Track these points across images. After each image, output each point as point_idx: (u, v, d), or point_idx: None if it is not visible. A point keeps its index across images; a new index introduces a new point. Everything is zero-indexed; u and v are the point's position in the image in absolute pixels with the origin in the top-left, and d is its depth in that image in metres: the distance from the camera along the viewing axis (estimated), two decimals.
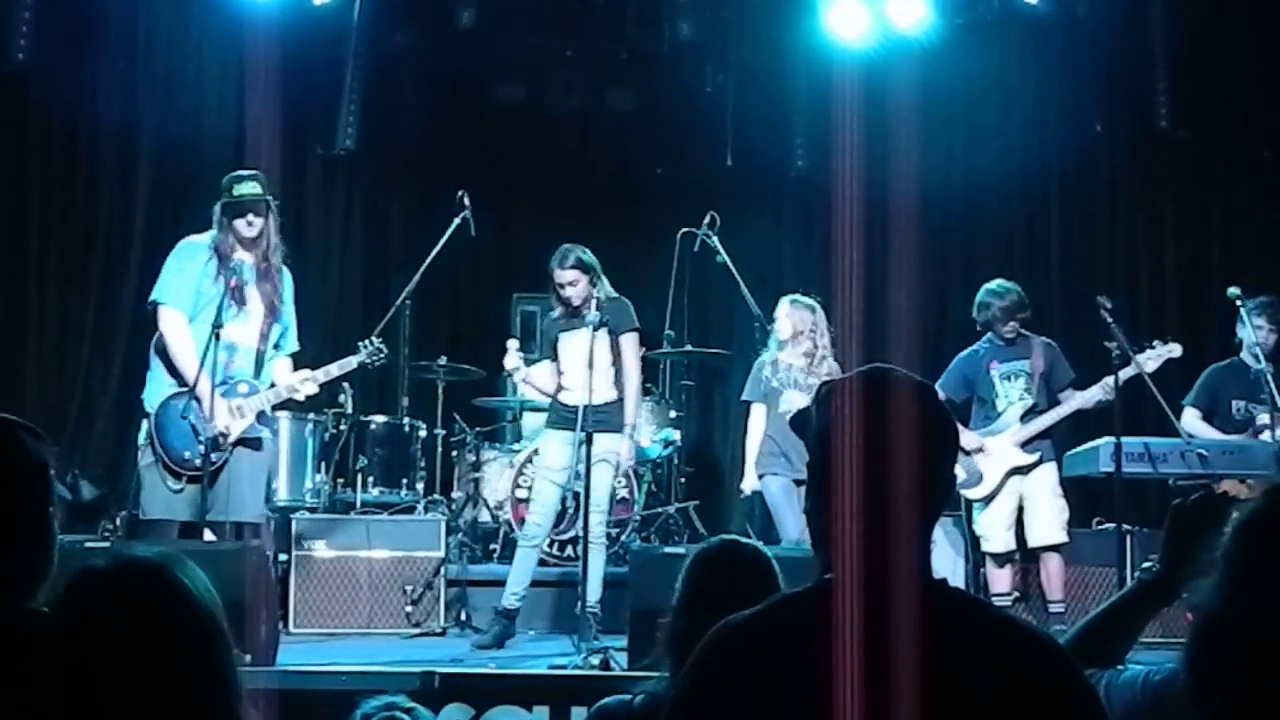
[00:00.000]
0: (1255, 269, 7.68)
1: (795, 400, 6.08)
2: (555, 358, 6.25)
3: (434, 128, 9.06)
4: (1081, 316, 7.02)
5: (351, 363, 5.71)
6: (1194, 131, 8.56)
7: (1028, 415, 6.20)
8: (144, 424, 5.38)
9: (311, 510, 6.82)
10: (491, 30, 8.59)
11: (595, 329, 5.87)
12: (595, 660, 5.15)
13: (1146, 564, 2.18)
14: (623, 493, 7.36)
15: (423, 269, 6.94)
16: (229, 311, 5.26)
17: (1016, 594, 6.37)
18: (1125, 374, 5.93)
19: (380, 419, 7.41)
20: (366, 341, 5.78)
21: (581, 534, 5.86)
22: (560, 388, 6.20)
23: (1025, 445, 6.16)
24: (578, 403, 5.84)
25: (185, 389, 5.22)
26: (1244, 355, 6.41)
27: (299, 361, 5.70)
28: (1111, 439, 5.85)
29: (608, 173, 9.38)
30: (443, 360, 7.62)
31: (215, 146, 7.98)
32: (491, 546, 7.42)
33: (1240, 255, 8.48)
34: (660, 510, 7.63)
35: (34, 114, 8.06)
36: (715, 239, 7.26)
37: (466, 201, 6.83)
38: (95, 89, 8.20)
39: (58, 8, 7.86)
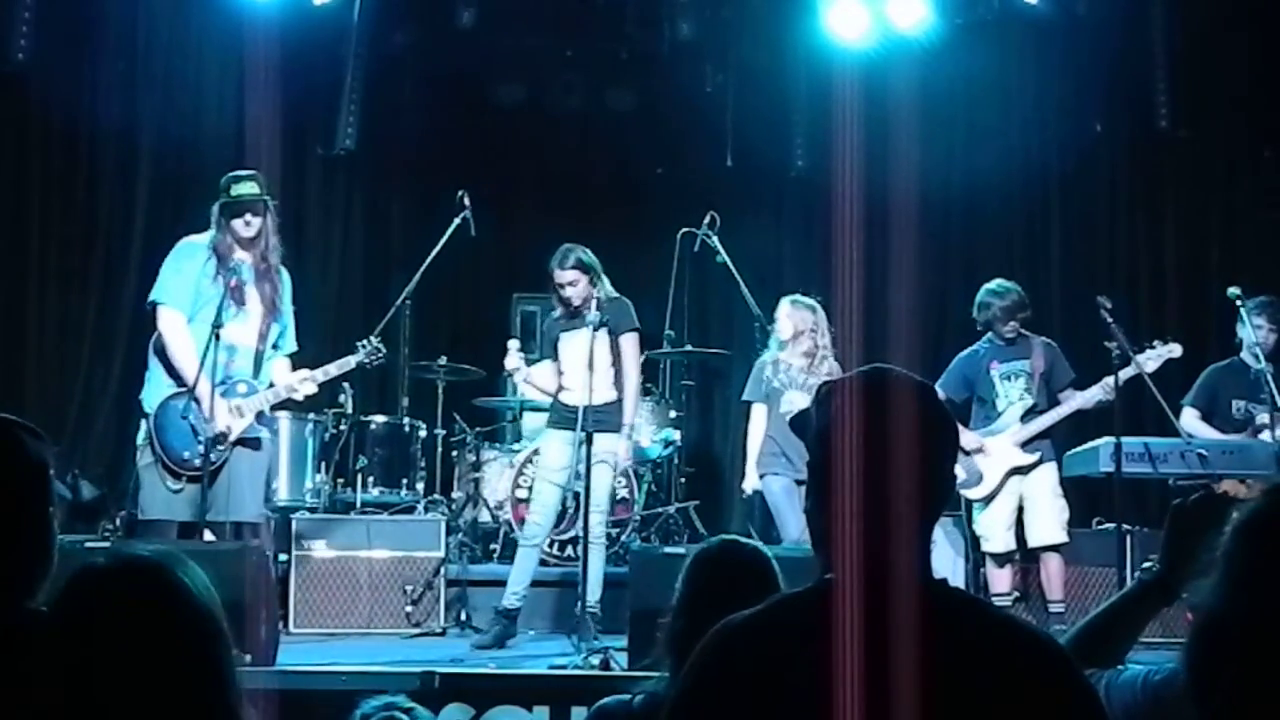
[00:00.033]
0: (1255, 269, 7.68)
1: (796, 400, 6.09)
2: (556, 357, 6.25)
3: (434, 128, 9.06)
4: (1081, 316, 7.02)
5: (350, 362, 5.71)
6: (1194, 131, 8.55)
7: (1028, 415, 6.20)
8: (143, 424, 5.39)
9: (312, 510, 6.82)
10: (491, 30, 8.59)
11: (595, 329, 5.87)
12: (595, 660, 5.14)
13: (1146, 564, 2.18)
14: (623, 493, 7.36)
15: (423, 269, 6.95)
16: (228, 311, 5.26)
17: (1016, 594, 6.37)
18: (1125, 374, 5.93)
19: (380, 419, 7.41)
20: (365, 341, 5.78)
21: (581, 534, 5.86)
22: (561, 388, 6.20)
23: (1025, 445, 6.16)
24: (578, 403, 5.84)
25: (184, 389, 5.23)
26: (1244, 355, 6.41)
27: (299, 361, 5.70)
28: (1111, 439, 5.85)
29: (608, 173, 9.38)
30: (443, 360, 7.62)
31: (215, 146, 7.97)
32: (491, 546, 7.42)
33: (1240, 255, 8.48)
34: (660, 510, 7.63)
35: (34, 114, 8.05)
36: (715, 239, 7.26)
37: (466, 201, 6.83)
38: (95, 89, 8.20)
39: (58, 8, 7.86)
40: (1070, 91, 8.91)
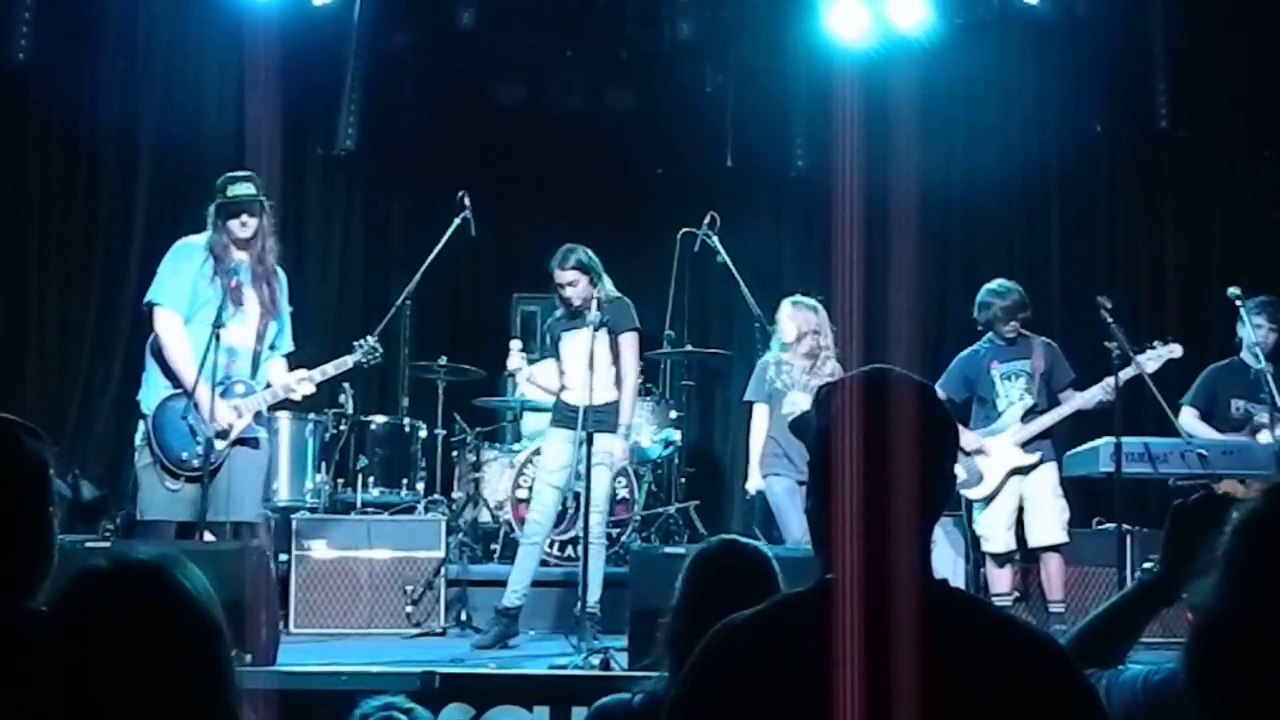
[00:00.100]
0: (1255, 269, 7.68)
1: (799, 401, 6.08)
2: (558, 357, 6.26)
3: (434, 128, 9.06)
4: (1081, 316, 7.02)
5: (347, 362, 5.72)
6: (1194, 131, 8.55)
7: (1028, 415, 6.19)
8: (141, 425, 5.39)
9: (312, 510, 6.82)
10: (491, 30, 8.59)
11: (595, 329, 5.87)
12: (595, 660, 5.14)
13: (1147, 564, 2.18)
14: (623, 493, 7.36)
15: (423, 269, 6.94)
16: (227, 312, 5.26)
17: (1016, 594, 6.37)
18: (1125, 374, 5.93)
19: (380, 419, 7.41)
20: (362, 341, 5.79)
21: (581, 534, 5.86)
22: (563, 387, 6.20)
23: (1025, 445, 6.16)
24: (579, 403, 5.84)
25: (181, 390, 5.23)
26: (1244, 355, 6.41)
27: (299, 361, 5.70)
28: (1111, 439, 5.85)
29: (608, 173, 9.37)
30: (443, 360, 7.62)
31: (215, 146, 7.97)
32: (492, 546, 7.42)
33: (1240, 255, 8.48)
34: (660, 510, 7.63)
35: (34, 114, 8.05)
36: (715, 239, 7.26)
37: (466, 201, 6.83)
38: (95, 89, 8.19)
39: (58, 8, 7.86)
40: (1070, 91, 8.91)
